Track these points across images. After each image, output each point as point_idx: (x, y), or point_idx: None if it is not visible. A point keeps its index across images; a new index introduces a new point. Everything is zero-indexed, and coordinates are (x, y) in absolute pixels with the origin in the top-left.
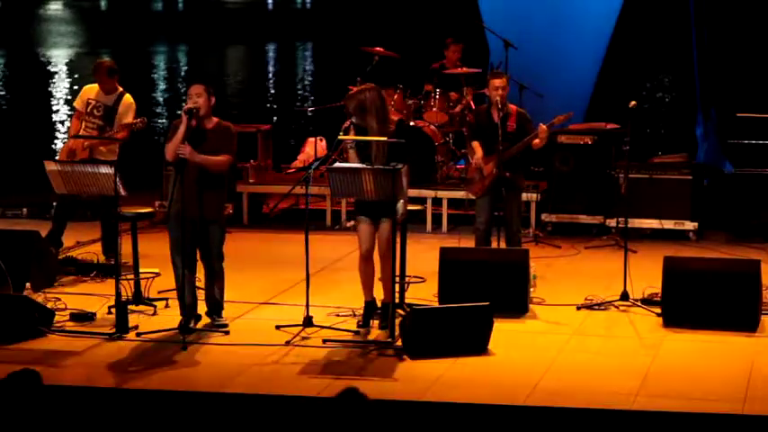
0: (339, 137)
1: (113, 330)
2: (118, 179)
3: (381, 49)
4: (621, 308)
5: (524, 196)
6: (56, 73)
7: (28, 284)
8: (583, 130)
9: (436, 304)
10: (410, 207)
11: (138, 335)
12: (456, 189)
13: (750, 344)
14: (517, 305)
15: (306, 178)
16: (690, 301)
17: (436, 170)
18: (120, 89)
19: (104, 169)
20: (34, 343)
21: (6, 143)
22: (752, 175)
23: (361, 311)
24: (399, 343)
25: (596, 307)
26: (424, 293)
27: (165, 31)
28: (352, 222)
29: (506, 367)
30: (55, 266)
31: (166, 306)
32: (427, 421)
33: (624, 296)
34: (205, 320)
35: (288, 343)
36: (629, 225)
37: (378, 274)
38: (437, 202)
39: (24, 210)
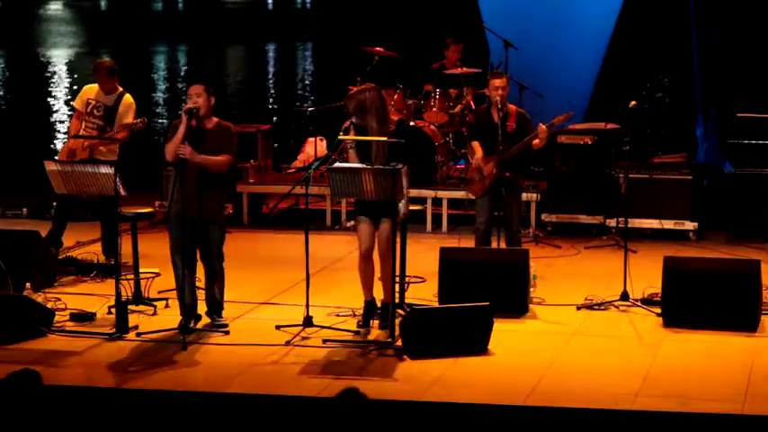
0: (339, 137)
1: (113, 330)
2: (118, 179)
3: (381, 49)
4: (621, 308)
5: (524, 196)
6: (56, 73)
7: (28, 284)
8: (583, 130)
9: (436, 304)
10: (411, 207)
11: (138, 335)
12: (456, 189)
13: (750, 344)
14: (517, 305)
15: (306, 178)
16: (690, 301)
17: (436, 170)
18: (121, 89)
19: (104, 169)
20: (34, 343)
21: (6, 143)
22: (752, 175)
23: (361, 311)
24: (399, 343)
25: (596, 307)
26: (424, 293)
27: (165, 31)
28: (352, 222)
29: (506, 367)
30: (55, 266)
31: (166, 306)
32: (427, 421)
33: (624, 296)
34: (205, 320)
35: (288, 343)
36: (629, 225)
37: (378, 274)
38: (437, 202)
39: (24, 210)
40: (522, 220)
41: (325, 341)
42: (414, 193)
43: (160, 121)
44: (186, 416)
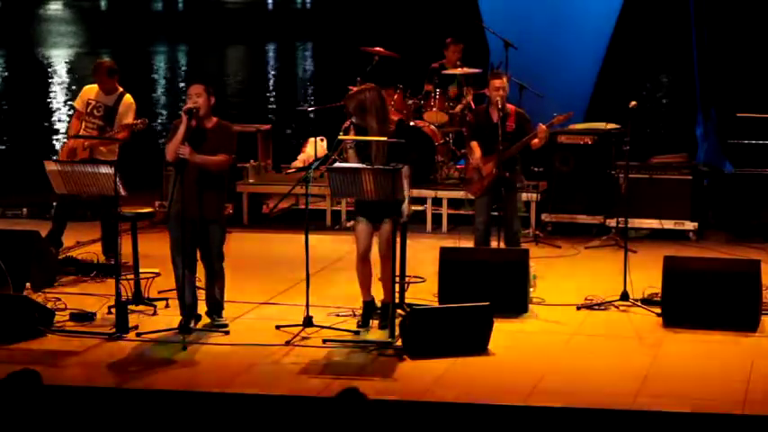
0: (339, 137)
1: (113, 330)
2: (118, 179)
3: (381, 49)
4: (621, 308)
5: (524, 196)
6: (56, 73)
7: (28, 284)
8: (583, 130)
9: (436, 304)
10: (412, 207)
11: (138, 335)
12: (456, 189)
13: (750, 344)
14: (517, 305)
15: (306, 178)
16: (690, 301)
17: (436, 170)
18: (121, 89)
19: (104, 169)
20: (34, 343)
21: (6, 143)
22: (752, 175)
23: (361, 311)
24: (399, 343)
25: (596, 307)
26: (424, 293)
27: (165, 31)
28: (352, 222)
29: (506, 367)
30: (55, 266)
31: (166, 306)
32: (427, 421)
33: (624, 296)
34: (205, 320)
35: (288, 343)
36: (629, 225)
37: (378, 274)
38: (437, 202)
39: (24, 210)
40: (522, 220)
41: (325, 341)
42: (414, 193)
43: (160, 121)
44: (186, 416)
